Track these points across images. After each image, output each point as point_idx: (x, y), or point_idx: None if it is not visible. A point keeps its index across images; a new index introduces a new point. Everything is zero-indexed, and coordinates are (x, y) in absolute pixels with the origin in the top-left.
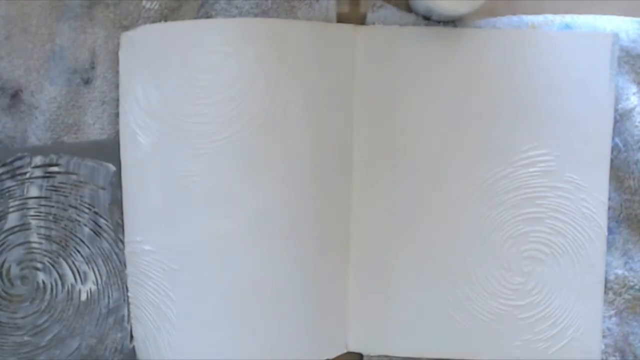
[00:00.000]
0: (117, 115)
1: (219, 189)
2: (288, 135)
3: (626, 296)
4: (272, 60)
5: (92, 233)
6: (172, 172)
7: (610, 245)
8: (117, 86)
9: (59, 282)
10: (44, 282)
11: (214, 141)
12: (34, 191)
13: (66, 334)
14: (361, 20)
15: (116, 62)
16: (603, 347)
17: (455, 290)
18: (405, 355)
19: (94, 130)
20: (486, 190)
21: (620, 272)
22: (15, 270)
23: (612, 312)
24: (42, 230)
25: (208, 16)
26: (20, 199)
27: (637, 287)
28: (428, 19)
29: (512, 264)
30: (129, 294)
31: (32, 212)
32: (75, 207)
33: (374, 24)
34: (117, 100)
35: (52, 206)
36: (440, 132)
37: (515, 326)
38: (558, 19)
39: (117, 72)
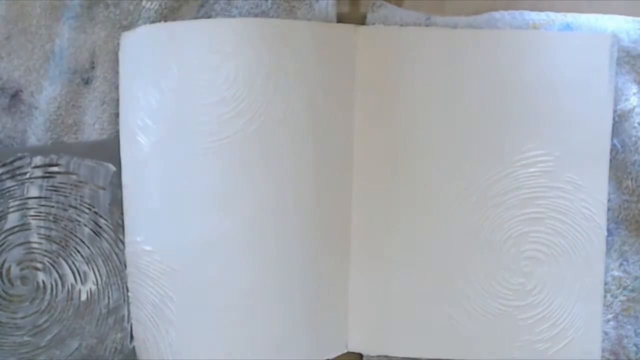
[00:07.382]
0: (117, 115)
1: (219, 189)
2: (288, 135)
3: (621, 297)
4: (272, 60)
5: (92, 233)
6: (172, 172)
7: (608, 247)
8: (117, 86)
9: (59, 282)
10: (44, 282)
11: (214, 141)
12: (34, 191)
13: (66, 334)
14: (361, 20)
15: (116, 62)
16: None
17: (455, 290)
18: (405, 356)
19: (94, 130)
20: (486, 190)
21: (616, 274)
22: (15, 270)
23: (610, 316)
24: (42, 230)
25: (208, 16)
26: (20, 199)
27: (630, 287)
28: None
29: (512, 264)
30: (129, 294)
31: (32, 212)
32: (75, 207)
33: (374, 24)
34: (117, 100)
35: (52, 206)
36: (440, 132)
37: (515, 327)
38: (559, 17)
39: (117, 72)
